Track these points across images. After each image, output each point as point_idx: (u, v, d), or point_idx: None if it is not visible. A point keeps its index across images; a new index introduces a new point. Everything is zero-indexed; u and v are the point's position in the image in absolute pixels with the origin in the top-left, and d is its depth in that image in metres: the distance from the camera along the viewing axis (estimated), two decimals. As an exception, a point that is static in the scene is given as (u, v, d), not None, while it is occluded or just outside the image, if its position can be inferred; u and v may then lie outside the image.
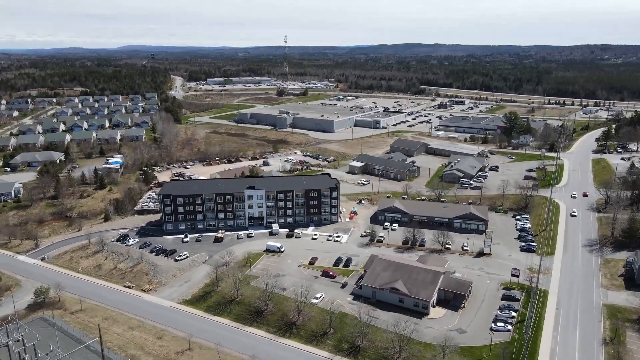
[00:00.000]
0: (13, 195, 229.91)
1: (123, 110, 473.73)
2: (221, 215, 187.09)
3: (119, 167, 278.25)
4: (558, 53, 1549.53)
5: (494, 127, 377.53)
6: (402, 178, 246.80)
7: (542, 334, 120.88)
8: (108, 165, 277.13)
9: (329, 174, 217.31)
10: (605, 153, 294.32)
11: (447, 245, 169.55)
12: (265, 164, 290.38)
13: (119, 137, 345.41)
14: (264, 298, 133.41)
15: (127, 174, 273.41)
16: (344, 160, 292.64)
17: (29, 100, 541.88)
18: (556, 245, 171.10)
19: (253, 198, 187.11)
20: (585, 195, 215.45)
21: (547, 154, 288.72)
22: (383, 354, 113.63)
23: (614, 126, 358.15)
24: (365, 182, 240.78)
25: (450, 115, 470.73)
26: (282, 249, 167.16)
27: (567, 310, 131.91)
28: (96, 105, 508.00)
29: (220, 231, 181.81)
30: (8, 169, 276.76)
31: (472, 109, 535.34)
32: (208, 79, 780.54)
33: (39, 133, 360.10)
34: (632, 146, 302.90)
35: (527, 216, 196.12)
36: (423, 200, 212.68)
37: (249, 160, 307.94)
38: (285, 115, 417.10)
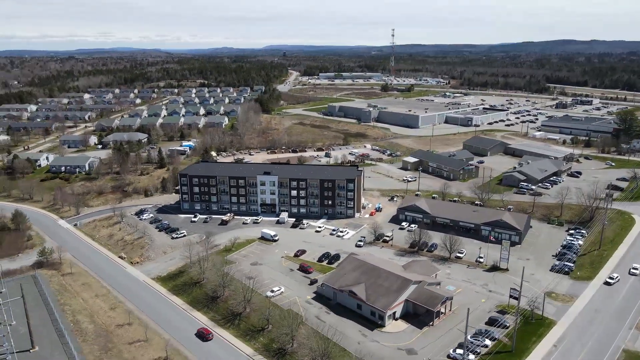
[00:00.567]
0: (87, 168, 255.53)
1: (227, 101, 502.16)
2: (234, 199, 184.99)
3: (188, 149, 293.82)
4: None
5: (608, 129, 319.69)
6: (455, 177, 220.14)
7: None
8: (180, 148, 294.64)
9: (356, 166, 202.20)
10: None
11: (458, 254, 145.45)
12: (327, 155, 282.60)
13: (201, 123, 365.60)
14: (221, 284, 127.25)
15: (193, 156, 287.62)
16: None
17: (156, 90, 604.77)
18: (601, 269, 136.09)
19: (266, 184, 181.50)
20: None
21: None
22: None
23: None
24: (411, 179, 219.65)
25: (566, 115, 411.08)
26: (276, 238, 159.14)
27: (567, 349, 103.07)
28: (207, 95, 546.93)
29: (228, 214, 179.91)
30: (100, 147, 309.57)
31: (600, 109, 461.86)
32: (320, 74, 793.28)
33: (145, 117, 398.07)
34: None
35: (584, 231, 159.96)
36: (455, 201, 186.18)
37: (314, 150, 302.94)
38: (371, 109, 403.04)
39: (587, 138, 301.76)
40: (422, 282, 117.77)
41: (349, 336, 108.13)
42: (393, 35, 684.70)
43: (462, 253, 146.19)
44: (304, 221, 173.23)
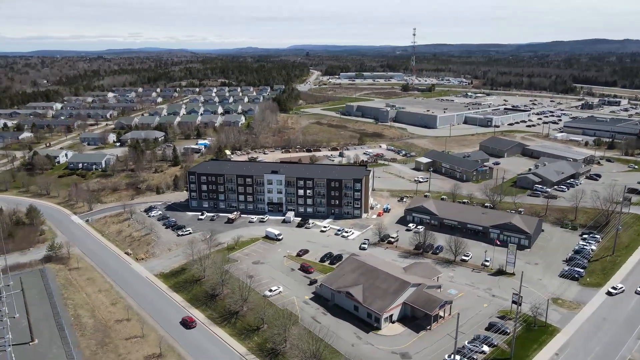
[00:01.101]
0: (103, 165, 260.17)
1: (246, 100, 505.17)
2: (242, 198, 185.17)
3: (203, 148, 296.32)
4: None
5: (634, 131, 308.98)
6: (467, 179, 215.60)
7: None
8: (195, 146, 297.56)
9: (365, 166, 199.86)
10: None
11: (463, 257, 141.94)
12: (341, 155, 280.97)
13: (218, 122, 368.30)
14: (220, 282, 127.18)
15: (208, 154, 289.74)
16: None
17: (177, 89, 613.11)
18: (613, 276, 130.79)
19: (273, 183, 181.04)
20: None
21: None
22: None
23: None
24: (422, 180, 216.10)
25: (590, 116, 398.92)
26: (280, 237, 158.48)
27: (569, 358, 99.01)
28: (227, 94, 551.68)
29: (234, 213, 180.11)
30: (118, 144, 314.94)
31: (627, 110, 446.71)
32: (341, 74, 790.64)
33: (164, 115, 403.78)
34: None
35: (598, 236, 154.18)
36: (464, 203, 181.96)
37: (329, 150, 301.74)
38: (388, 109, 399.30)
39: (610, 140, 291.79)
40: (421, 285, 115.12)
41: (343, 338, 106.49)
42: (414, 35, 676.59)
43: (467, 256, 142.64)
44: (310, 221, 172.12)
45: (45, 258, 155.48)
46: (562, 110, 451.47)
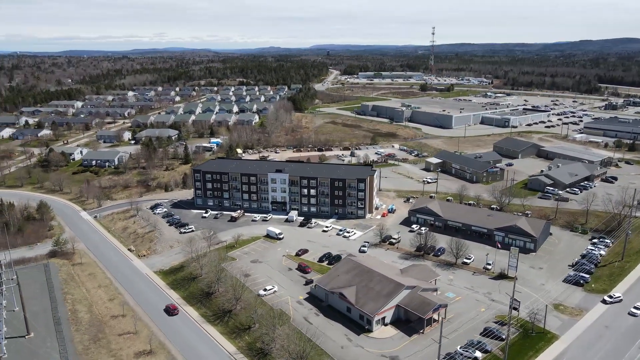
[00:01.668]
0: (116, 163, 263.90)
1: (262, 99, 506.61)
2: (246, 196, 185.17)
3: (215, 146, 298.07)
4: None
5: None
6: (477, 180, 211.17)
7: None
8: (207, 144, 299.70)
9: (371, 166, 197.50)
10: None
11: (465, 260, 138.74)
12: (352, 154, 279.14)
13: (232, 121, 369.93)
14: (216, 281, 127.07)
15: (220, 153, 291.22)
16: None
17: (196, 88, 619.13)
18: (620, 282, 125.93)
19: (277, 182, 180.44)
20: None
21: None
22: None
23: None
24: (431, 180, 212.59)
25: (613, 117, 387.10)
26: (281, 236, 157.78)
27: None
28: (244, 93, 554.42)
29: (238, 211, 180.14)
30: (133, 142, 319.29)
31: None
32: (360, 73, 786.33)
33: (180, 114, 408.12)
34: None
35: (608, 241, 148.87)
36: (470, 205, 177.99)
37: (340, 150, 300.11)
38: (404, 109, 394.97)
39: (631, 141, 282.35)
40: (416, 288, 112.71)
41: (334, 340, 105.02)
42: (433, 34, 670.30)
43: (469, 259, 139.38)
44: (313, 220, 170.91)
45: (50, 253, 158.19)
46: (584, 110, 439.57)
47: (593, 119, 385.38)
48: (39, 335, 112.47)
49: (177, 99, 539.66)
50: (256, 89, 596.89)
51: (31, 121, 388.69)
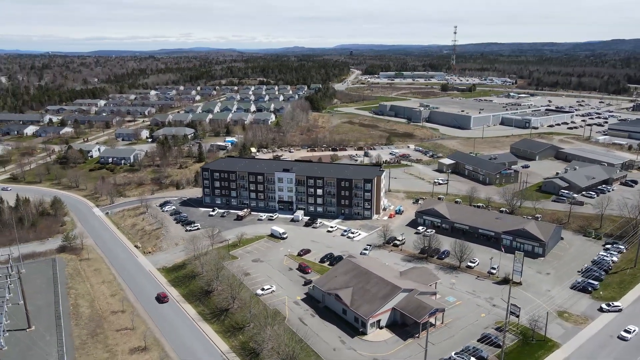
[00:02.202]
0: (131, 160, 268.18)
1: (281, 98, 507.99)
2: (253, 195, 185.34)
3: (230, 145, 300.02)
4: None
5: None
6: (490, 182, 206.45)
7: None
8: (221, 143, 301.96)
9: (379, 166, 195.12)
10: None
11: (469, 263, 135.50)
12: (366, 154, 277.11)
13: (248, 120, 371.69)
14: (215, 279, 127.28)
15: (234, 151, 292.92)
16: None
17: (217, 87, 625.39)
18: (630, 290, 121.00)
19: (283, 181, 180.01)
20: None
21: None
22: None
23: None
24: (442, 182, 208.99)
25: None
26: (284, 236, 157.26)
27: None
28: (264, 92, 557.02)
29: (244, 210, 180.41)
30: (150, 140, 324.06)
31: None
32: (380, 73, 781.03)
33: (198, 113, 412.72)
34: None
35: (622, 247, 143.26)
36: (479, 207, 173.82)
37: (355, 149, 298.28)
38: (421, 109, 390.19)
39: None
40: (413, 291, 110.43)
41: (327, 342, 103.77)
42: (455, 33, 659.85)
43: (474, 262, 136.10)
44: (318, 220, 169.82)
45: (60, 248, 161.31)
46: (610, 112, 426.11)
47: (619, 120, 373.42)
48: (40, 329, 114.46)
49: (197, 98, 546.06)
50: (276, 88, 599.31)
51: (55, 119, 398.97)
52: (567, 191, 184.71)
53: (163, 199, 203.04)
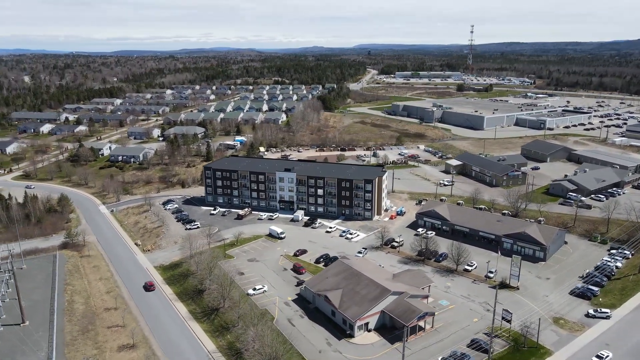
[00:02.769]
0: (141, 158, 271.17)
1: (294, 98, 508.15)
2: (254, 194, 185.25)
3: (239, 144, 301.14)
4: None
5: None
6: (497, 183, 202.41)
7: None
8: (230, 142, 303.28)
9: (382, 167, 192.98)
10: None
11: (467, 266, 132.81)
12: (375, 155, 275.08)
13: (259, 119, 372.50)
14: (208, 278, 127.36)
15: (243, 151, 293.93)
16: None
17: (232, 87, 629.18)
18: (631, 297, 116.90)
19: (284, 181, 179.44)
20: None
21: None
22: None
23: None
24: (447, 183, 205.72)
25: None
26: (282, 236, 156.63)
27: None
28: (278, 92, 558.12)
29: (245, 209, 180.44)
30: (161, 139, 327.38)
31: None
32: (396, 73, 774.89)
33: (211, 112, 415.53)
34: None
35: (628, 252, 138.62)
36: (481, 209, 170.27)
37: (364, 150, 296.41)
38: (434, 109, 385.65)
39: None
40: (403, 294, 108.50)
41: (313, 343, 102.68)
42: (472, 32, 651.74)
43: (471, 265, 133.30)
44: (318, 220, 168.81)
45: (62, 244, 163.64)
46: (631, 112, 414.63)
47: (639, 121, 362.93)
48: (34, 324, 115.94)
49: (212, 97, 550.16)
50: (290, 88, 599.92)
51: (71, 118, 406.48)
52: (574, 194, 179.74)
53: (167, 198, 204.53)
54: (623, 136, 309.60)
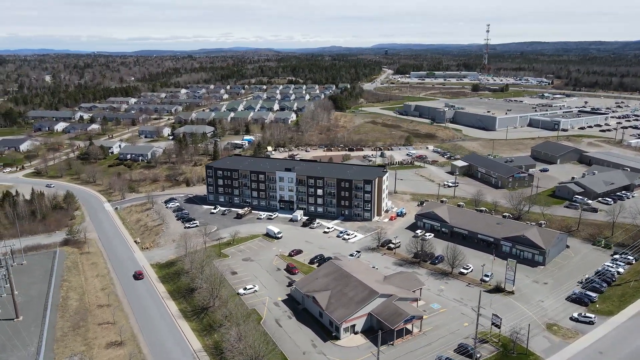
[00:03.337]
0: (149, 157, 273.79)
1: (307, 97, 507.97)
2: (255, 194, 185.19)
3: (247, 143, 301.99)
4: None
5: None
6: (502, 185, 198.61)
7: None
8: (238, 142, 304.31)
9: (383, 167, 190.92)
10: None
11: (462, 269, 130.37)
12: (382, 155, 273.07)
13: (268, 119, 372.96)
14: (199, 277, 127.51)
15: (250, 150, 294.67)
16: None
17: (246, 86, 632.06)
18: (630, 304, 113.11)
19: (284, 180, 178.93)
20: None
21: None
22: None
23: None
24: (452, 184, 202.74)
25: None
26: (279, 235, 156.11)
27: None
28: (291, 91, 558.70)
29: (245, 208, 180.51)
30: (171, 137, 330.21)
31: None
32: (411, 73, 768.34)
33: (223, 111, 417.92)
34: None
35: (632, 258, 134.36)
36: (481, 211, 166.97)
37: (372, 150, 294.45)
38: (445, 109, 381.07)
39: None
40: (392, 296, 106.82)
41: (298, 345, 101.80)
42: (488, 32, 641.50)
43: (467, 268, 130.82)
44: (316, 221, 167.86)
45: (64, 241, 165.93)
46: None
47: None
48: (28, 319, 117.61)
49: (225, 96, 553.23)
50: (304, 87, 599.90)
51: (86, 116, 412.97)
52: (581, 197, 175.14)
53: (170, 196, 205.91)
54: (639, 138, 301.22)
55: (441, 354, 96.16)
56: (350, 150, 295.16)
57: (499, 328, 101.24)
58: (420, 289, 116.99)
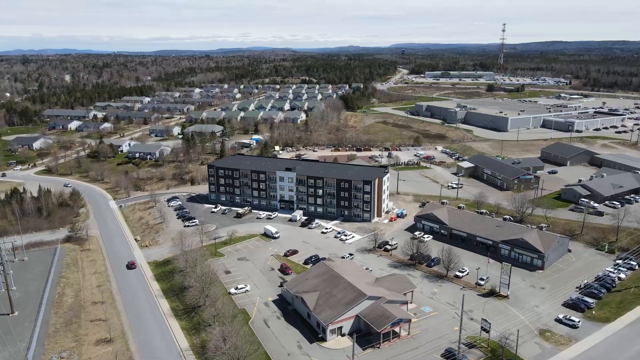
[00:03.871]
0: (157, 155, 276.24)
1: (319, 97, 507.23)
2: (255, 193, 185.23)
3: (254, 143, 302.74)
4: None
5: None
6: (508, 187, 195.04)
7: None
8: (246, 141, 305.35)
9: (384, 167, 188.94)
10: None
11: (458, 272, 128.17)
12: (389, 155, 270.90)
13: (278, 118, 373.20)
14: (192, 276, 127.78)
15: (258, 149, 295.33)
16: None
17: (259, 86, 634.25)
18: (629, 311, 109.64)
19: (284, 180, 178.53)
20: None
21: None
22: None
23: None
24: (455, 185, 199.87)
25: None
26: (276, 235, 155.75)
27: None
28: (304, 91, 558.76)
29: (245, 208, 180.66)
30: (181, 136, 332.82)
31: None
32: (426, 72, 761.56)
33: (234, 110, 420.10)
34: None
35: (635, 263, 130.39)
36: (481, 213, 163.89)
37: (380, 150, 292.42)
38: (457, 110, 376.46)
39: None
40: (381, 299, 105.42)
41: (284, 345, 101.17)
42: (504, 31, 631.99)
43: (463, 272, 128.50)
44: (315, 221, 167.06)
45: (66, 238, 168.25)
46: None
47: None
48: (23, 315, 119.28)
49: (238, 96, 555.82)
50: (317, 87, 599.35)
51: (100, 115, 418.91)
52: (587, 200, 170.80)
53: (173, 194, 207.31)
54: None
55: (429, 358, 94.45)
56: (358, 150, 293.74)
57: (488, 333, 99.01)
58: (412, 291, 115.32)
